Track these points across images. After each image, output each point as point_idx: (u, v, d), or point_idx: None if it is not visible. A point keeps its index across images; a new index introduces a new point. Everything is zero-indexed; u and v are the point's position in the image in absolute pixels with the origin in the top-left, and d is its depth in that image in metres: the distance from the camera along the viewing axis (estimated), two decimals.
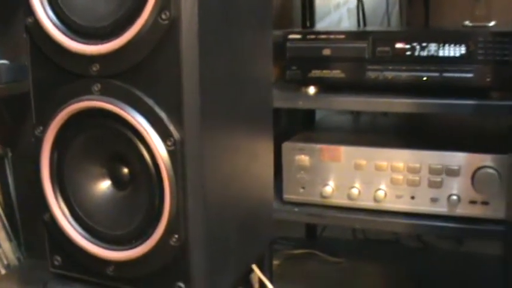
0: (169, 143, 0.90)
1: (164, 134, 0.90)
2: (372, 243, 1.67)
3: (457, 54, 1.18)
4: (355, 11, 1.75)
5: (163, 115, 0.89)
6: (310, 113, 1.65)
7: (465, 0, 1.65)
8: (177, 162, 0.90)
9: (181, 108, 0.89)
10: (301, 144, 1.28)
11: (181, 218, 0.92)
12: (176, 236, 0.92)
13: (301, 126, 1.54)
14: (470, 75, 1.18)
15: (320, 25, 1.84)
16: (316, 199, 1.29)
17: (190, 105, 0.89)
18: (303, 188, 1.29)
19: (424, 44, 1.19)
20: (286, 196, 1.31)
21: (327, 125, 1.60)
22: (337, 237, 1.68)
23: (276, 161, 1.28)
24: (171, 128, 0.89)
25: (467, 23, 1.50)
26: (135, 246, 0.95)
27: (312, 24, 1.60)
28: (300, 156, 1.28)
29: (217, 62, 0.96)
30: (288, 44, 1.27)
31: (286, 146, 1.29)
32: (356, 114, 1.65)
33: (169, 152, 0.90)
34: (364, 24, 1.65)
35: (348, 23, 1.87)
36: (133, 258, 0.95)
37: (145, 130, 0.89)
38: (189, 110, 0.89)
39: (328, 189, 1.27)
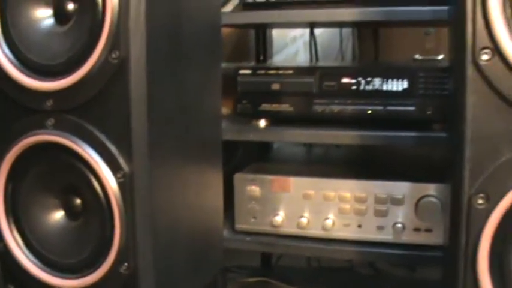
0: (119, 176, 0.97)
1: (114, 167, 0.97)
2: (325, 271, 1.74)
3: (400, 89, 1.28)
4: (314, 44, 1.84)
5: (113, 149, 0.97)
6: (264, 145, 1.73)
7: (415, 33, 1.76)
8: (127, 193, 0.97)
9: (131, 143, 0.96)
10: (252, 176, 1.36)
11: (131, 247, 0.99)
12: (126, 264, 0.99)
13: (256, 158, 1.62)
14: (412, 108, 1.27)
15: (277, 58, 1.94)
16: (267, 228, 1.36)
17: (139, 140, 0.97)
18: (254, 217, 1.37)
19: (368, 79, 1.29)
20: (238, 226, 1.38)
21: (280, 157, 1.69)
22: (291, 265, 1.75)
23: (230, 191, 1.37)
24: (121, 161, 0.97)
25: (417, 56, 1.61)
26: (87, 275, 1.02)
27: (266, 58, 1.69)
28: (251, 187, 1.36)
29: (166, 97, 1.04)
30: (239, 79, 1.35)
31: (238, 177, 1.37)
32: (309, 146, 1.74)
33: (119, 184, 0.97)
34: (317, 59, 1.75)
35: (304, 56, 1.96)
36: (84, 286, 1.02)
37: (96, 163, 0.97)
38: (137, 144, 0.97)
39: (279, 218, 1.34)
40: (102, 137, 0.97)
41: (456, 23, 0.85)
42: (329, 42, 1.90)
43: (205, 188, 1.23)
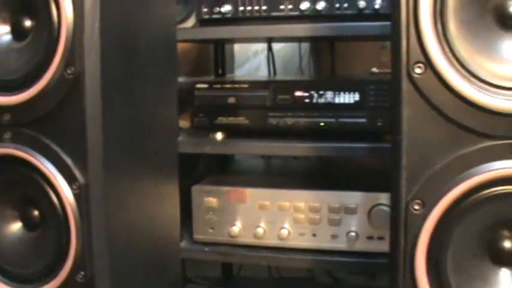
0: (74, 187, 1.02)
1: (70, 179, 1.02)
2: (286, 281, 1.81)
3: (351, 101, 1.36)
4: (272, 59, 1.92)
5: (69, 161, 1.02)
6: (224, 158, 1.80)
7: (372, 47, 1.84)
8: (82, 204, 1.03)
9: (86, 155, 1.02)
10: (209, 187, 1.43)
11: (87, 256, 1.04)
12: (82, 273, 1.04)
13: (216, 170, 1.68)
14: (363, 120, 1.35)
15: (239, 72, 2.01)
16: (225, 238, 1.42)
17: (94, 152, 1.03)
18: (212, 228, 1.43)
19: (321, 92, 1.37)
20: (196, 236, 1.44)
21: (239, 169, 1.76)
22: (252, 276, 1.81)
23: (189, 203, 1.43)
24: (77, 173, 1.02)
25: (374, 69, 1.69)
26: (44, 284, 1.06)
27: (224, 72, 1.76)
28: (209, 198, 1.42)
29: (121, 111, 1.10)
30: (196, 93, 1.42)
31: (196, 188, 1.43)
32: (268, 158, 1.81)
33: (75, 195, 1.03)
34: (275, 73, 1.83)
35: (266, 70, 2.04)
36: None
37: (53, 175, 1.02)
38: (92, 157, 1.02)
39: (236, 229, 1.41)
40: (58, 150, 1.02)
41: (393, 38, 0.93)
42: (290, 57, 1.98)
43: (161, 199, 1.28)
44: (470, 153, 0.90)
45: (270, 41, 1.75)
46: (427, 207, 0.92)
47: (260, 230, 1.40)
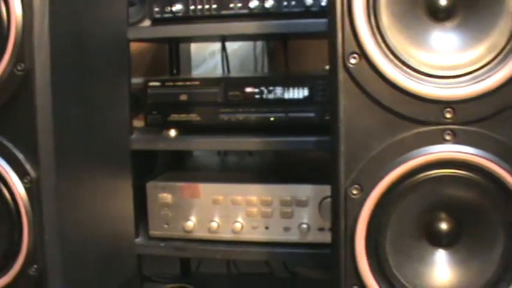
0: (26, 181, 1.07)
1: (22, 173, 1.07)
2: (244, 277, 1.86)
3: (300, 96, 1.42)
4: (229, 58, 1.98)
5: (20, 156, 1.07)
6: (180, 155, 1.85)
7: (325, 46, 1.91)
8: (34, 198, 1.07)
9: (37, 150, 1.06)
10: (163, 183, 1.48)
11: (39, 250, 1.08)
12: (35, 266, 1.09)
13: (172, 167, 1.74)
14: (312, 114, 1.42)
15: (196, 72, 2.07)
16: (180, 234, 1.47)
17: (45, 147, 1.07)
18: (167, 224, 1.48)
19: (270, 88, 1.43)
20: (152, 232, 1.49)
21: (195, 165, 1.82)
22: (211, 272, 1.86)
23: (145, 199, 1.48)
24: (28, 167, 1.07)
25: (327, 67, 1.75)
26: None
27: (179, 72, 1.81)
28: (163, 194, 1.47)
29: (71, 108, 1.15)
30: (149, 91, 1.47)
31: (150, 185, 1.48)
32: (224, 154, 1.87)
33: (27, 189, 1.07)
34: (229, 71, 1.89)
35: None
36: None
37: (4, 170, 1.06)
38: (44, 151, 1.07)
39: (190, 224, 1.46)
40: (10, 145, 1.06)
41: (329, 31, 0.99)
42: (246, 57, 2.04)
43: (114, 196, 1.33)
44: (405, 138, 0.97)
45: (223, 40, 1.81)
46: (365, 192, 0.98)
47: (214, 225, 1.45)
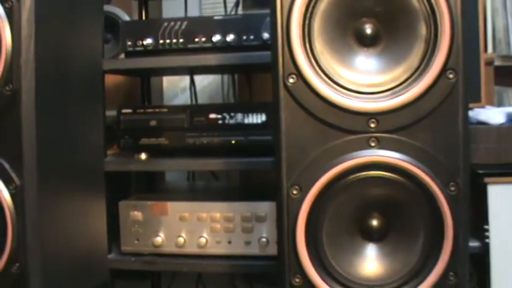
0: (11, 187, 1.29)
1: (7, 180, 1.29)
2: None
3: (258, 121, 1.67)
4: (199, 94, 2.23)
5: (7, 165, 1.29)
6: (151, 178, 2.09)
7: None
8: (18, 203, 1.29)
9: (21, 160, 1.29)
10: (134, 202, 1.70)
11: (21, 250, 1.30)
12: (17, 264, 1.30)
13: (145, 188, 1.97)
14: (269, 137, 1.65)
15: None
16: (149, 249, 1.69)
17: (28, 158, 1.30)
18: (138, 239, 1.69)
19: (232, 114, 1.67)
20: (124, 248, 1.70)
21: (165, 187, 2.05)
22: None
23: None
24: (13, 175, 1.29)
25: None
26: None
27: (150, 103, 2.06)
28: (134, 212, 1.69)
29: (53, 126, 1.38)
30: (121, 117, 1.71)
31: (123, 204, 1.70)
32: (192, 179, 2.11)
33: (12, 195, 1.29)
34: (196, 101, 2.14)
35: None
36: None
37: None
38: (27, 162, 1.30)
39: (159, 239, 1.68)
40: None
41: (272, 57, 1.24)
42: (215, 91, 2.30)
43: (88, 212, 1.56)
44: (337, 145, 1.21)
45: (191, 73, 2.06)
46: (304, 192, 1.21)
47: (181, 240, 1.67)
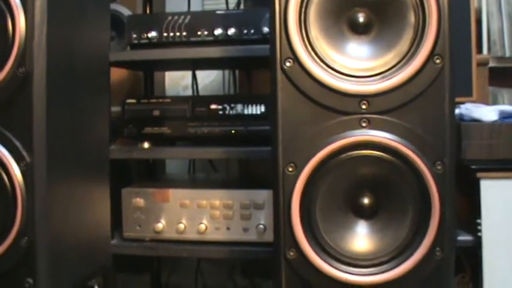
0: (22, 165, 1.40)
1: (19, 158, 1.40)
2: None
3: (258, 112, 1.78)
4: (201, 92, 2.36)
5: (18, 144, 1.40)
6: (153, 166, 2.20)
7: None
8: (28, 179, 1.40)
9: (32, 139, 1.41)
10: (137, 189, 1.82)
11: (30, 225, 1.41)
12: (26, 238, 1.41)
13: (146, 176, 2.10)
14: (267, 127, 1.77)
15: None
16: (151, 235, 1.80)
17: (38, 138, 1.41)
18: (139, 226, 1.80)
19: (232, 105, 1.79)
20: (126, 234, 1.81)
21: (166, 177, 2.17)
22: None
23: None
24: (24, 153, 1.40)
25: None
26: None
27: (153, 94, 2.19)
28: (136, 199, 1.80)
29: (61, 111, 1.49)
30: (126, 107, 1.83)
31: (125, 191, 1.82)
32: (193, 171, 2.23)
33: (22, 172, 1.40)
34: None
35: None
36: None
37: (4, 155, 1.40)
38: (37, 141, 1.41)
39: (160, 225, 1.79)
40: (9, 135, 1.40)
41: (270, 42, 1.36)
42: (217, 88, 2.43)
43: (93, 196, 1.67)
44: (330, 125, 1.33)
45: (194, 69, 2.19)
46: (299, 169, 1.33)
47: (181, 226, 1.78)
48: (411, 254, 1.32)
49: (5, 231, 1.41)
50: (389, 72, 1.31)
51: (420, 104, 1.31)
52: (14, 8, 1.38)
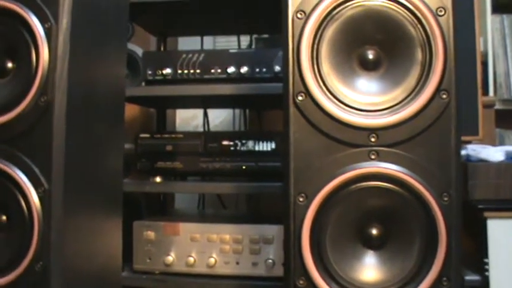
0: (40, 191, 1.47)
1: (37, 184, 1.48)
2: None
3: (268, 149, 1.86)
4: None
5: (37, 170, 1.48)
6: (165, 199, 2.27)
7: None
8: (46, 205, 1.47)
9: (51, 166, 1.48)
10: (148, 222, 1.88)
11: (45, 250, 1.47)
12: (41, 263, 1.47)
13: (159, 209, 2.17)
14: (278, 164, 1.85)
15: None
16: (161, 268, 1.86)
17: (57, 165, 1.48)
18: (150, 258, 1.87)
19: (243, 141, 1.87)
20: (136, 266, 1.88)
21: (176, 211, 2.24)
22: None
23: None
24: (42, 179, 1.48)
25: None
26: (7, 274, 1.48)
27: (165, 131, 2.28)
28: (147, 232, 1.87)
29: (79, 140, 1.56)
30: (139, 141, 1.91)
31: (137, 223, 1.89)
32: (202, 207, 2.30)
33: (40, 198, 1.47)
34: None
35: None
36: (6, 282, 1.48)
37: (23, 181, 1.47)
38: (56, 168, 1.48)
39: (170, 258, 1.85)
40: (29, 161, 1.47)
41: (283, 77, 1.45)
42: (228, 126, 2.52)
43: (106, 228, 1.73)
44: (341, 157, 1.40)
45: (205, 106, 2.28)
46: (309, 199, 1.40)
47: (191, 259, 1.84)
48: (418, 284, 1.38)
49: (21, 255, 1.48)
50: (397, 106, 1.39)
51: (427, 137, 1.39)
52: (39, 40, 1.47)
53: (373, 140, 1.40)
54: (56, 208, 1.49)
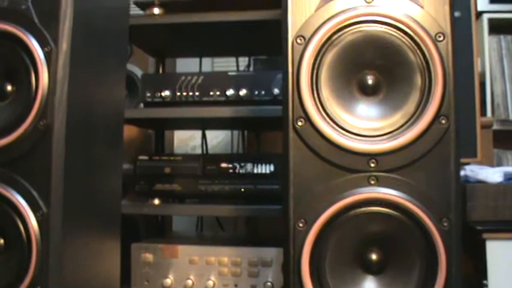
0: (38, 215, 1.48)
1: (35, 208, 1.48)
2: None
3: (267, 172, 1.87)
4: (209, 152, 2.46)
5: (35, 194, 1.48)
6: (162, 221, 2.27)
7: None
8: (44, 229, 1.48)
9: (49, 190, 1.48)
10: (146, 245, 1.89)
11: (44, 274, 1.47)
12: (39, 287, 1.47)
13: (157, 232, 2.17)
14: (276, 186, 1.86)
15: None
16: None
17: (55, 189, 1.49)
18: (147, 281, 1.87)
19: (242, 164, 1.88)
20: None
21: (176, 230, 2.24)
22: None
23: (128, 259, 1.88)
24: (41, 203, 1.48)
25: None
26: None
27: (163, 152, 2.28)
28: (145, 254, 1.87)
29: (78, 163, 1.57)
30: (138, 164, 1.92)
31: (135, 246, 1.89)
32: (200, 222, 2.30)
33: (38, 222, 1.48)
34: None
35: None
36: None
37: (21, 205, 1.47)
38: (54, 192, 1.49)
39: (168, 281, 1.85)
40: (27, 185, 1.48)
41: (283, 102, 1.45)
42: (226, 148, 2.53)
43: (104, 250, 1.73)
44: (340, 183, 1.41)
45: (204, 128, 2.29)
46: (309, 225, 1.40)
47: (189, 282, 1.84)
48: None
49: (19, 278, 1.47)
50: (396, 132, 1.40)
51: (426, 163, 1.39)
52: (38, 63, 1.48)
53: (372, 165, 1.40)
54: (54, 232, 1.49)
